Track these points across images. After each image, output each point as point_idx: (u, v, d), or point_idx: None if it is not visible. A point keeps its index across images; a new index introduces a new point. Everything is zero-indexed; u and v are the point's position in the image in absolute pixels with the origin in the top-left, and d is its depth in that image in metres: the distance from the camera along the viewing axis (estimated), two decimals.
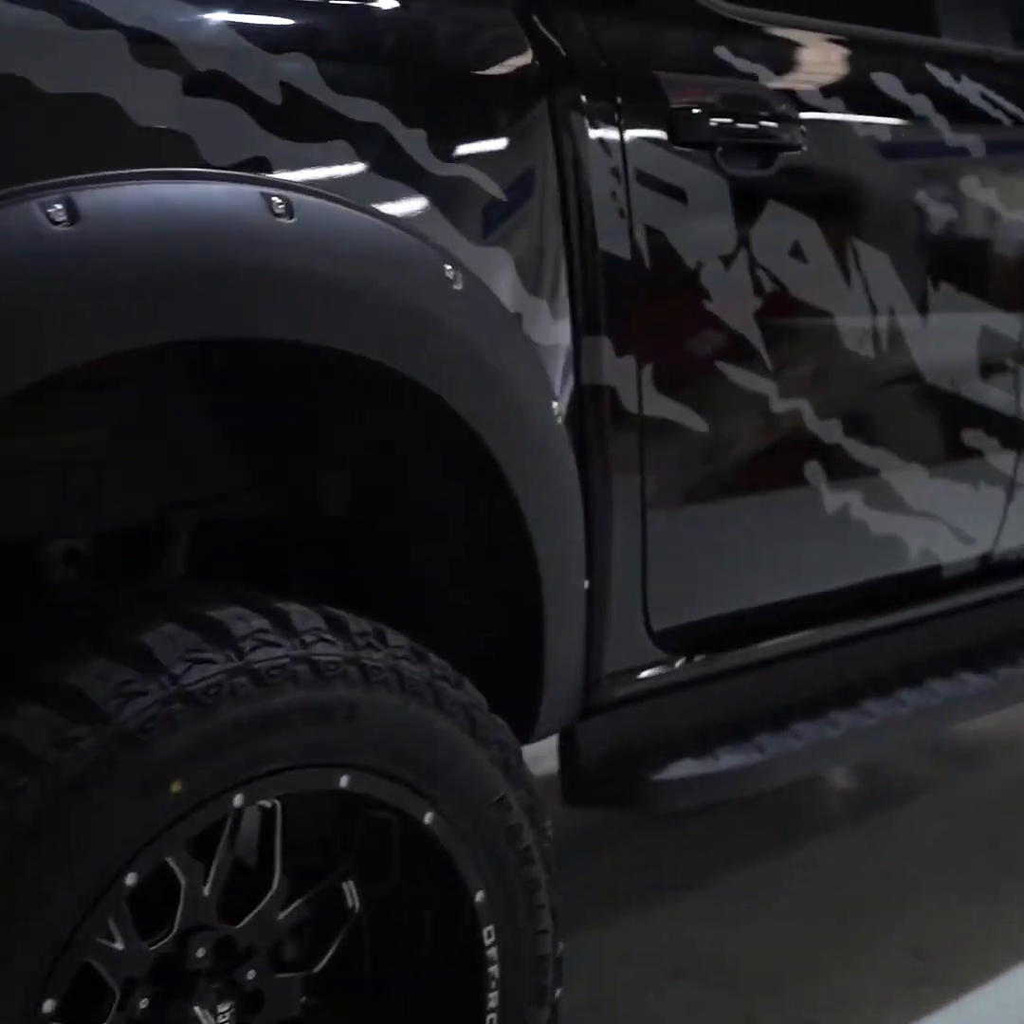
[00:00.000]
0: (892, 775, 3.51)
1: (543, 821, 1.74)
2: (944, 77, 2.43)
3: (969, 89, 2.46)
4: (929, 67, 2.42)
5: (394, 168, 1.67)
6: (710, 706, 2.20)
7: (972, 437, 2.51)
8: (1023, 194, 2.51)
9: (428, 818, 1.61)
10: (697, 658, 2.16)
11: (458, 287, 1.69)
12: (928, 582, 2.52)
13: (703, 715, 2.19)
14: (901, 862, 3.01)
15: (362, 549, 1.97)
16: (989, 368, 2.52)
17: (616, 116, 1.92)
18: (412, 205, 1.68)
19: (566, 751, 2.09)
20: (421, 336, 1.67)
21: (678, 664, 2.14)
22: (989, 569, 2.65)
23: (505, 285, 1.79)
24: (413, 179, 1.68)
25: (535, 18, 1.89)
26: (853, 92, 2.26)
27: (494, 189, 1.78)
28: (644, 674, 2.11)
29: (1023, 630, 2.76)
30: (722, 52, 2.10)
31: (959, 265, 2.44)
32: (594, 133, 1.89)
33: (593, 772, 2.08)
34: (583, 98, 1.89)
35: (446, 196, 1.72)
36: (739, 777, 2.15)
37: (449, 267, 1.69)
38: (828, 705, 2.31)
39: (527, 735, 1.93)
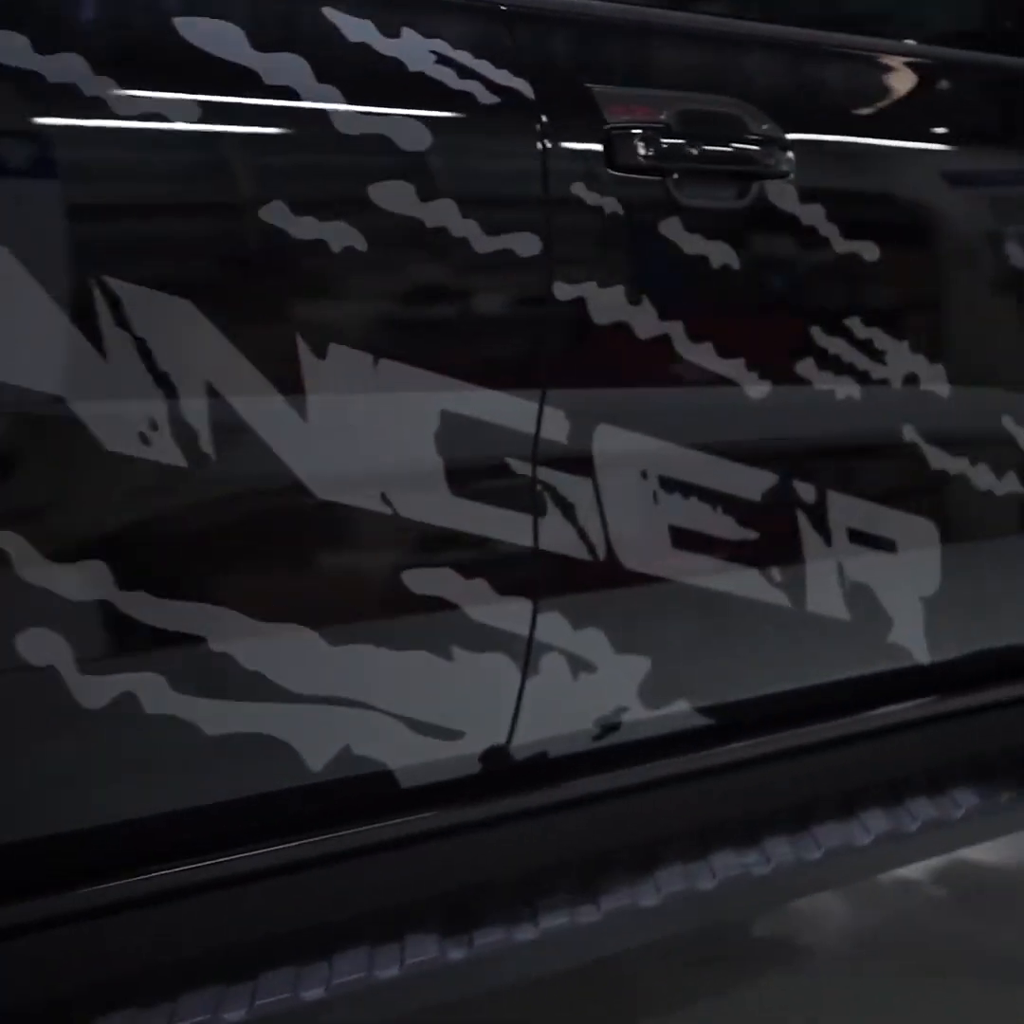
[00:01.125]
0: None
1: None
2: (356, 28, 1.56)
3: (414, 48, 1.59)
4: (327, 12, 1.56)
5: None
6: None
7: (431, 580, 1.64)
8: (489, 204, 1.62)
9: None
10: None
11: None
12: (365, 798, 1.67)
13: None
14: None
15: None
16: (469, 476, 1.64)
17: None
18: None
19: None
20: None
21: None
22: (512, 771, 1.77)
23: None
24: None
25: None
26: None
27: None
28: None
29: (567, 862, 1.86)
30: None
31: (374, 318, 1.57)
32: None
33: None
34: None
35: None
36: None
37: None
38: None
39: None
